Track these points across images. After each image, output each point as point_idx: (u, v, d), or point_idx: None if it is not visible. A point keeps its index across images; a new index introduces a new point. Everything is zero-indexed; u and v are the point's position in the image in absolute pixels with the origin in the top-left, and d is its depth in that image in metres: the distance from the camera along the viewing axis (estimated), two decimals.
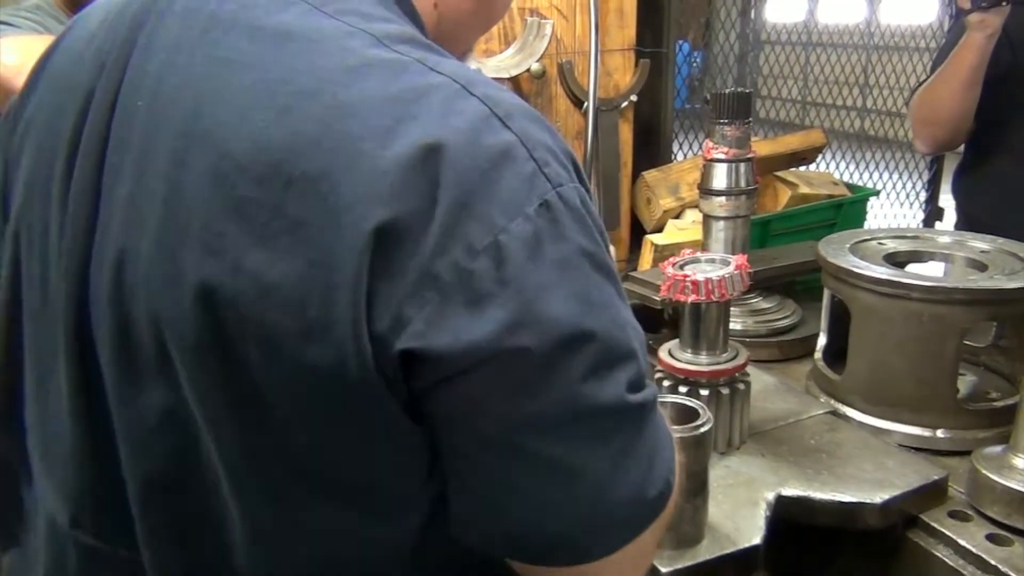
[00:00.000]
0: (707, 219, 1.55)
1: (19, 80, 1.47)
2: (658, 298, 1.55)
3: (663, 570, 0.96)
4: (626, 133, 2.02)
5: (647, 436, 0.66)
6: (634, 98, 1.98)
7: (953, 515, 1.11)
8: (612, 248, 0.66)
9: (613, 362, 0.63)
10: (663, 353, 1.23)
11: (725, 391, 1.20)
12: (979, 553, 1.03)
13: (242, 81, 0.63)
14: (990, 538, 1.06)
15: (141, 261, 0.64)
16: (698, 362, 1.20)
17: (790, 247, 1.84)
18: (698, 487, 0.99)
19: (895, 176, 4.03)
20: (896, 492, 1.10)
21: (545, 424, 0.62)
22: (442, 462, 0.66)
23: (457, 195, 0.59)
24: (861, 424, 1.31)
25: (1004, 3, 1.79)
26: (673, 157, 2.20)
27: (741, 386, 1.21)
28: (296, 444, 0.64)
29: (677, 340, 1.24)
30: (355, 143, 0.59)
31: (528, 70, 1.81)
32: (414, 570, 0.70)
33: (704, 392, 1.19)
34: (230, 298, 0.60)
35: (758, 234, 1.86)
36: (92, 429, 0.71)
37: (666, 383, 1.22)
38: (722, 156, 1.48)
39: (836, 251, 1.38)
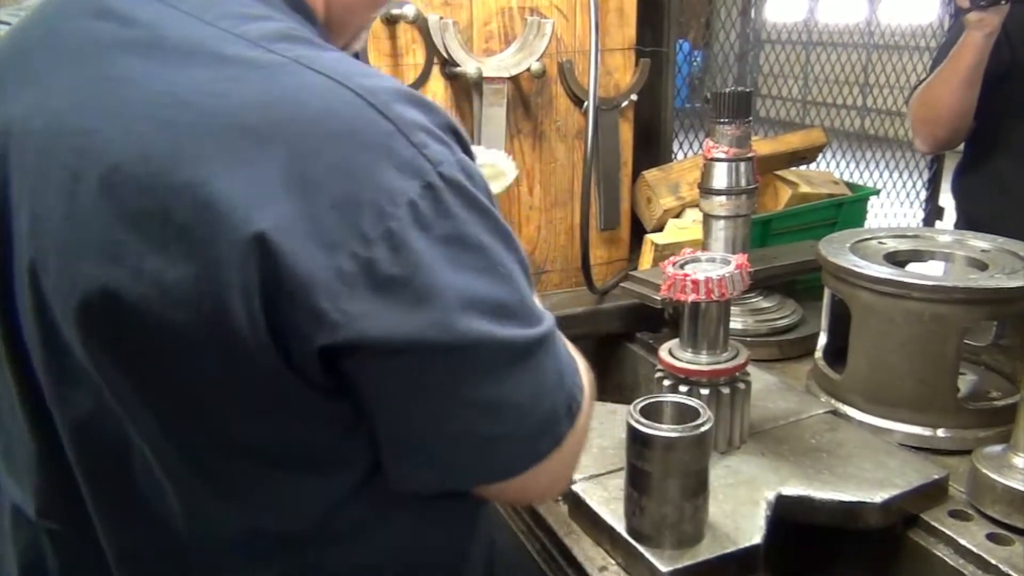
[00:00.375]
0: (707, 218, 1.55)
1: None
2: (658, 297, 1.56)
3: (663, 570, 0.96)
4: (626, 132, 2.01)
5: (552, 361, 0.75)
6: (634, 97, 1.98)
7: (953, 514, 1.11)
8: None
9: (511, 312, 0.71)
10: (663, 352, 1.23)
11: (725, 390, 1.20)
12: (979, 553, 1.03)
13: (129, 97, 0.66)
14: (990, 537, 1.06)
15: (50, 273, 0.68)
16: (698, 361, 1.20)
17: (790, 246, 1.84)
18: (698, 487, 0.99)
19: (895, 175, 4.03)
20: (896, 491, 1.10)
21: (463, 374, 0.69)
22: (368, 418, 0.72)
23: (343, 190, 0.63)
24: (861, 423, 1.31)
25: (1003, 2, 1.79)
26: (673, 156, 2.20)
27: (741, 385, 1.21)
28: (214, 427, 0.70)
29: (677, 339, 1.24)
30: (233, 150, 0.63)
31: (528, 69, 1.81)
32: (352, 526, 0.77)
33: (704, 391, 1.19)
34: (134, 301, 0.64)
35: (758, 233, 1.86)
36: (42, 427, 0.77)
37: (666, 382, 1.22)
38: (722, 155, 1.48)
39: (836, 250, 1.38)
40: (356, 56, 0.93)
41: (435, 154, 0.67)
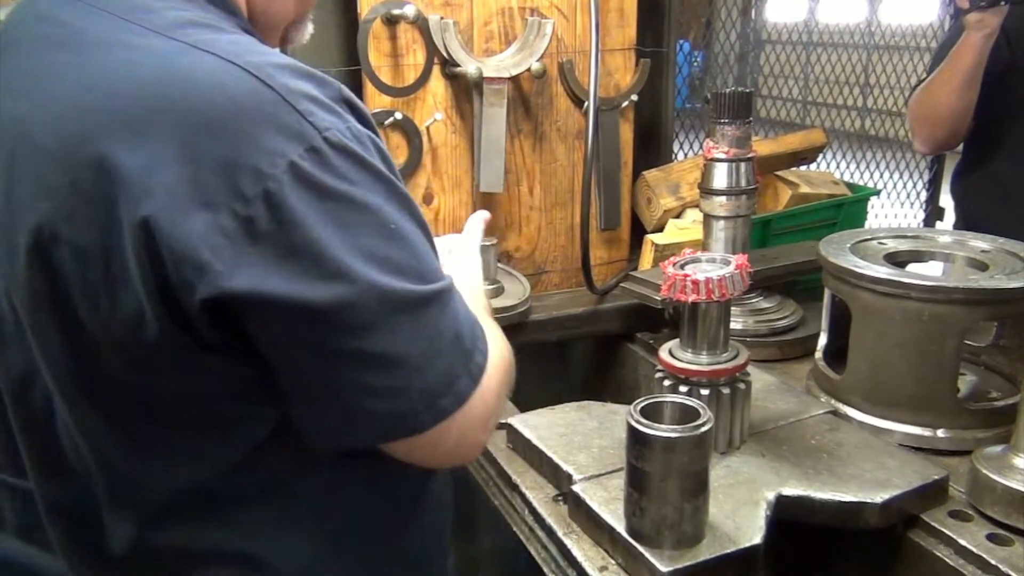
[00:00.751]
0: (707, 219, 1.55)
1: None
2: (659, 298, 1.56)
3: (663, 570, 0.96)
4: (627, 133, 2.01)
5: (447, 321, 0.79)
6: (635, 98, 1.98)
7: (953, 515, 1.11)
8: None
9: (398, 268, 0.75)
10: (663, 353, 1.23)
11: (726, 391, 1.20)
12: (979, 553, 1.03)
13: (52, 88, 0.76)
14: (990, 538, 1.06)
15: None
16: (698, 362, 1.20)
17: (791, 247, 1.84)
18: (698, 487, 0.99)
19: (896, 176, 4.03)
20: (896, 492, 1.10)
21: (345, 326, 0.73)
22: (272, 376, 0.77)
23: (225, 154, 0.69)
24: (861, 424, 1.31)
25: (1002, 3, 1.79)
26: (674, 157, 2.20)
27: (742, 386, 1.21)
28: (119, 385, 0.77)
29: (677, 340, 1.24)
30: (131, 126, 0.70)
31: (529, 69, 1.81)
32: (266, 483, 0.83)
33: (704, 392, 1.19)
34: (56, 264, 0.73)
35: (759, 234, 1.87)
36: None
37: (666, 382, 1.22)
38: (723, 156, 1.48)
39: (837, 251, 1.38)
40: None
41: (321, 121, 0.73)
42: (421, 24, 1.73)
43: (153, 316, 0.72)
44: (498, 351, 0.88)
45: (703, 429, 0.98)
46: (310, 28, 1.03)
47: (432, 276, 0.79)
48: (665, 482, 0.98)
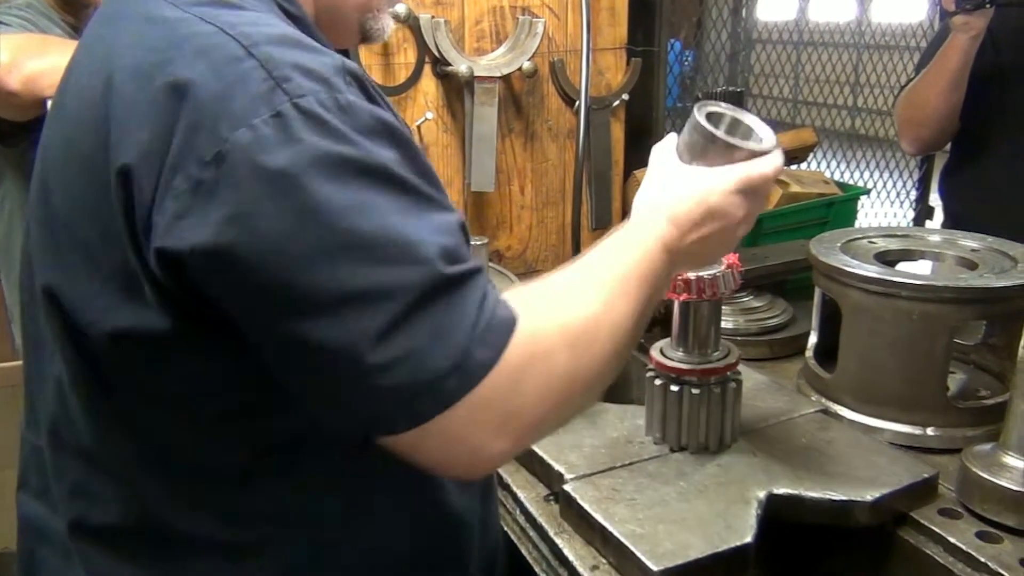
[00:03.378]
0: None
1: (10, 78, 1.47)
2: None
3: (654, 568, 0.96)
4: (618, 132, 2.02)
5: (423, 311, 0.70)
6: (626, 97, 1.99)
7: (943, 513, 1.11)
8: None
9: (353, 248, 0.69)
10: (655, 351, 1.23)
11: (716, 390, 1.20)
12: (969, 551, 1.03)
13: (87, 62, 0.82)
14: (980, 536, 1.06)
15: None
16: (689, 361, 1.20)
17: (781, 246, 1.85)
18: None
19: (885, 175, 4.04)
20: (887, 490, 1.10)
21: (299, 310, 0.70)
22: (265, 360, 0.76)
23: (193, 119, 0.70)
24: (852, 422, 1.31)
25: (988, 5, 1.80)
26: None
27: (732, 385, 1.21)
28: (127, 362, 0.79)
29: (668, 339, 1.24)
30: (125, 90, 0.74)
31: (520, 68, 1.81)
32: (265, 474, 0.82)
33: (695, 391, 1.19)
34: (63, 218, 0.80)
35: (749, 233, 1.86)
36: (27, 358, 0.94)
37: (657, 381, 1.22)
38: None
39: (827, 250, 1.38)
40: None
41: (296, 88, 0.71)
42: (412, 23, 1.73)
43: (146, 282, 0.73)
44: (533, 330, 0.75)
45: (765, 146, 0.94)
46: (390, 22, 1.00)
47: (405, 261, 0.70)
48: None
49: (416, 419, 0.71)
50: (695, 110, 0.96)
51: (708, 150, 0.94)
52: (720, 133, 0.94)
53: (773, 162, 0.94)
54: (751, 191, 0.93)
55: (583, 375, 0.79)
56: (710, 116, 0.95)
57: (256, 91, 0.70)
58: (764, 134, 0.97)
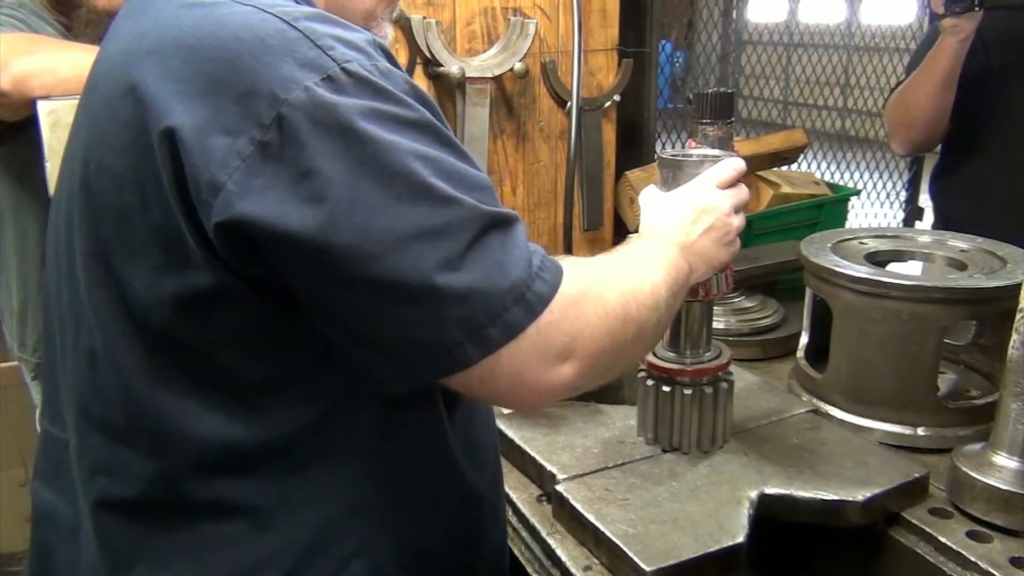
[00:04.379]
0: None
1: (0, 77, 1.46)
2: None
3: (647, 569, 0.97)
4: (609, 133, 2.02)
5: (486, 250, 0.77)
6: (617, 98, 1.99)
7: (934, 512, 1.12)
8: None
9: (412, 191, 0.74)
10: None
11: (708, 390, 1.20)
12: (959, 550, 1.04)
13: (113, 47, 0.85)
14: (970, 535, 1.07)
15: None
16: (681, 361, 1.21)
17: (772, 246, 1.85)
18: None
19: (875, 176, 4.06)
20: (878, 490, 1.11)
21: (356, 256, 0.73)
22: (314, 319, 0.79)
23: (247, 86, 0.73)
24: (843, 422, 1.32)
25: (977, 8, 1.81)
26: (655, 157, 2.21)
27: (724, 385, 1.22)
28: (163, 327, 0.79)
29: (660, 339, 1.24)
30: (167, 62, 0.76)
31: (511, 69, 1.81)
32: (288, 440, 0.83)
33: (687, 391, 1.19)
34: (96, 191, 0.81)
35: (741, 234, 1.87)
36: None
37: (649, 382, 1.22)
38: None
39: (818, 250, 1.39)
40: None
41: (341, 55, 0.75)
42: (403, 24, 1.73)
43: (194, 244, 0.75)
44: (606, 290, 0.85)
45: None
46: (390, 29, 1.03)
47: (460, 203, 0.76)
48: None
49: (487, 347, 0.76)
50: (657, 157, 1.17)
51: (678, 176, 1.12)
52: (680, 155, 1.13)
53: (734, 161, 1.11)
54: (726, 184, 1.09)
55: (633, 318, 0.87)
56: (671, 156, 1.15)
57: (305, 57, 0.74)
58: (718, 152, 1.15)
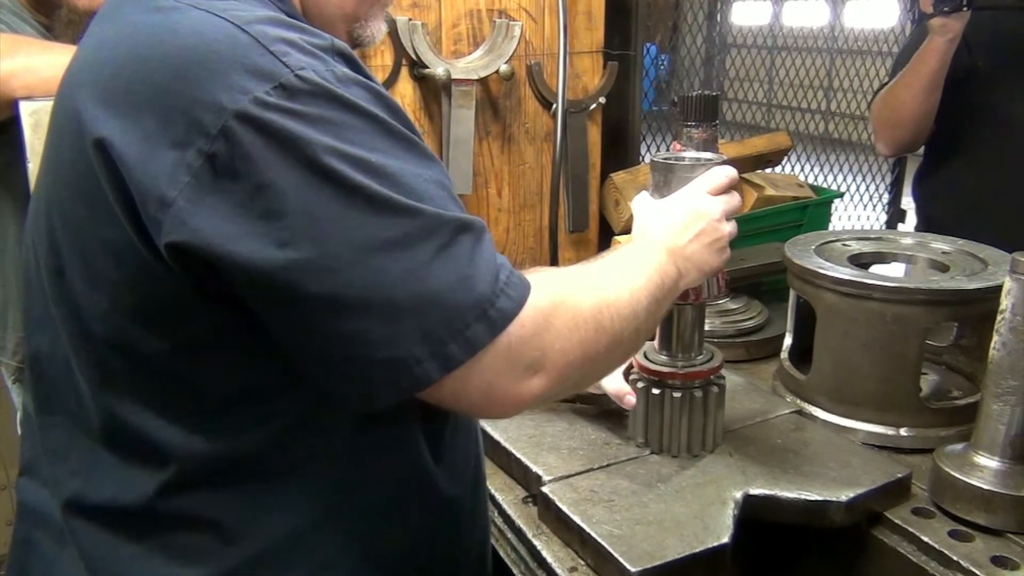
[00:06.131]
0: None
1: None
2: None
3: (632, 570, 0.97)
4: (594, 135, 2.02)
5: (448, 259, 0.75)
6: (602, 100, 1.99)
7: (916, 512, 1.13)
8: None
9: (374, 203, 0.72)
10: (638, 355, 1.23)
11: (698, 393, 1.20)
12: (942, 549, 1.05)
13: (79, 55, 0.84)
14: (952, 535, 1.07)
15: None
16: (673, 364, 1.21)
17: (757, 248, 1.86)
18: None
19: (859, 178, 4.08)
20: (861, 490, 1.12)
21: (311, 272, 0.71)
22: (275, 337, 0.77)
23: (194, 95, 0.71)
24: (826, 423, 1.33)
25: (965, 8, 1.82)
26: (641, 159, 2.22)
27: (715, 389, 1.22)
28: (121, 339, 0.79)
29: (652, 342, 1.25)
30: (116, 70, 0.75)
31: (497, 71, 1.81)
32: (252, 455, 0.82)
33: (677, 394, 1.20)
34: (55, 204, 0.81)
35: None
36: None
37: (640, 384, 1.22)
38: None
39: (802, 252, 1.39)
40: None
41: (296, 61, 0.73)
42: (389, 25, 1.72)
43: (147, 258, 0.73)
44: (551, 288, 0.83)
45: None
46: (382, 27, 1.00)
47: (422, 212, 0.74)
48: None
49: (449, 364, 0.75)
50: (651, 160, 1.17)
51: (670, 179, 1.13)
52: (674, 158, 1.14)
53: (726, 169, 1.12)
54: (718, 191, 1.10)
55: (607, 329, 0.86)
56: (664, 159, 1.16)
57: (256, 64, 0.71)
58: (709, 156, 1.17)
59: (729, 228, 1.10)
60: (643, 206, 1.12)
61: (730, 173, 1.11)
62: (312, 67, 0.73)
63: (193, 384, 0.80)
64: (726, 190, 1.10)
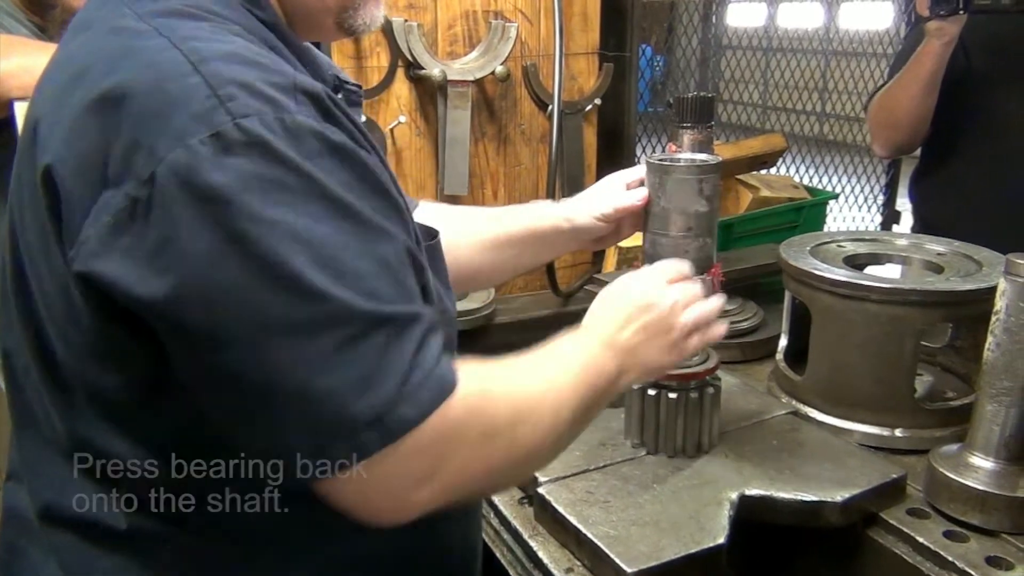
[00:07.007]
0: None
1: None
2: None
3: (628, 570, 0.97)
4: (590, 136, 2.02)
5: (353, 353, 0.69)
6: (598, 101, 1.99)
7: (912, 513, 1.13)
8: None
9: (265, 280, 0.67)
10: None
11: (694, 395, 1.20)
12: (936, 550, 1.05)
13: (50, 68, 0.83)
14: (947, 535, 1.08)
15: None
16: None
17: (752, 249, 1.86)
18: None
19: (853, 180, 4.09)
20: (856, 491, 1.12)
21: (219, 339, 0.68)
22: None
23: (133, 135, 0.68)
24: (822, 424, 1.33)
25: (961, 11, 1.83)
26: (636, 160, 2.22)
27: (711, 390, 1.22)
28: (67, 363, 0.77)
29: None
30: (67, 95, 0.74)
31: (493, 72, 1.81)
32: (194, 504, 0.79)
33: (673, 395, 1.20)
34: (20, 225, 0.79)
35: (721, 237, 1.87)
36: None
37: (635, 385, 1.22)
38: None
39: (797, 253, 1.40)
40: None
41: (241, 107, 0.68)
42: (385, 26, 1.72)
43: (70, 278, 0.72)
44: (472, 403, 0.76)
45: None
46: (378, 13, 0.93)
47: (332, 299, 0.68)
48: None
49: (329, 468, 0.70)
50: (645, 162, 1.17)
51: (665, 181, 1.13)
52: (668, 160, 1.14)
53: (678, 264, 1.06)
54: (668, 277, 1.03)
55: (521, 443, 0.81)
56: (659, 161, 1.15)
57: (198, 109, 0.67)
58: (705, 157, 1.17)
59: (684, 321, 1.01)
60: (602, 292, 1.05)
61: (681, 269, 1.05)
62: (259, 115, 0.68)
63: (156, 414, 0.77)
64: (679, 272, 1.04)
